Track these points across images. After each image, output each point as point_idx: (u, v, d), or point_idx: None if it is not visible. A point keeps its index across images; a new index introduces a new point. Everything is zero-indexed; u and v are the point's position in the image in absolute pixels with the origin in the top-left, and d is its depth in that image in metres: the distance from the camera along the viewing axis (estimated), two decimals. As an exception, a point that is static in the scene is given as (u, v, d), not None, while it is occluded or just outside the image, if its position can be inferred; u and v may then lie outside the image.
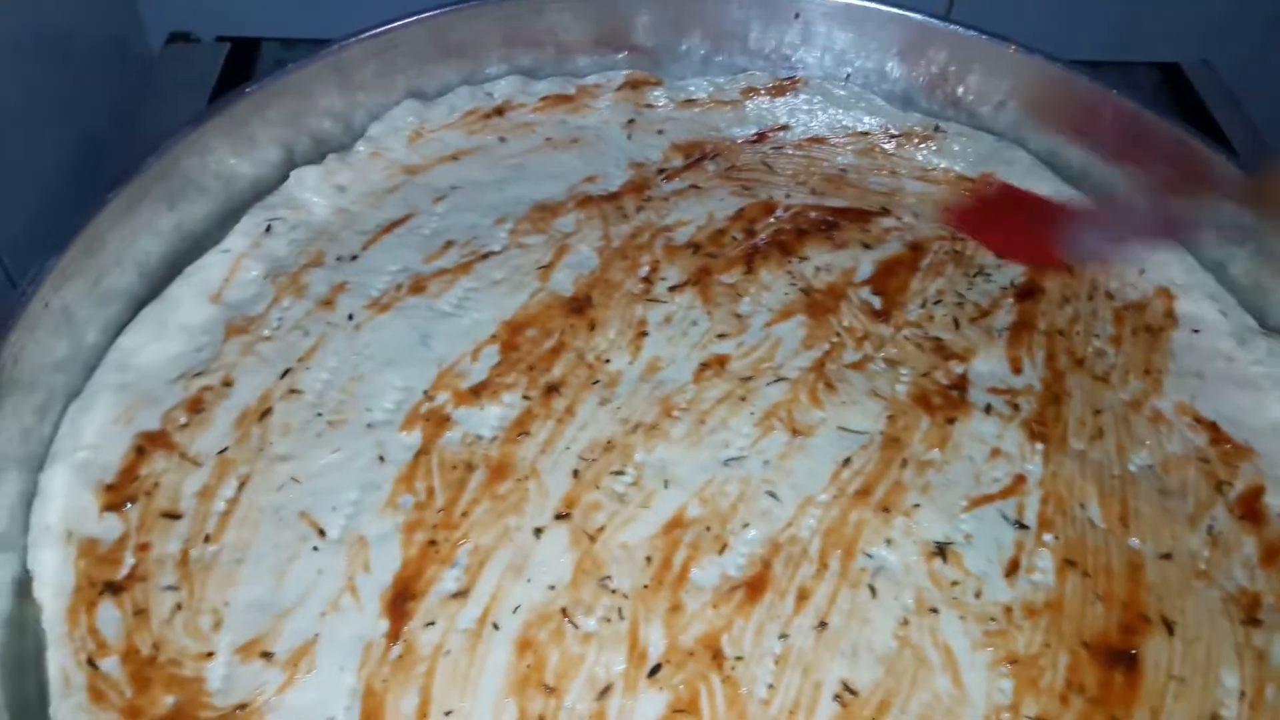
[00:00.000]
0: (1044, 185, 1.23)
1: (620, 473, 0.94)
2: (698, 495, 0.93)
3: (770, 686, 0.82)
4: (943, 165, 1.26)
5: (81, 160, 1.32)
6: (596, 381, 1.01)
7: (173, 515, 0.90)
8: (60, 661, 0.82)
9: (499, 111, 1.28)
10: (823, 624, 0.85)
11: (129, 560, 0.87)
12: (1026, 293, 1.12)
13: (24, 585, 0.86)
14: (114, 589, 0.86)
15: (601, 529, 0.90)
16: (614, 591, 0.86)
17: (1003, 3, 1.32)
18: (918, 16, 1.27)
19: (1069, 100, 1.25)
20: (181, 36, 1.47)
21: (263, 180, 1.17)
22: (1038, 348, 1.07)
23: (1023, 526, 0.93)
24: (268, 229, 1.12)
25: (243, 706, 0.79)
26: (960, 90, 1.30)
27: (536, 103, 1.29)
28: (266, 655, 0.82)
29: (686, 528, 0.91)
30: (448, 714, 0.79)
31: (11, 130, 1.18)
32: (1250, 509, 0.97)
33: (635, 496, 0.93)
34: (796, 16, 1.30)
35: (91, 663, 0.82)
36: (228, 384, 0.99)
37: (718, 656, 0.83)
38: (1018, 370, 1.05)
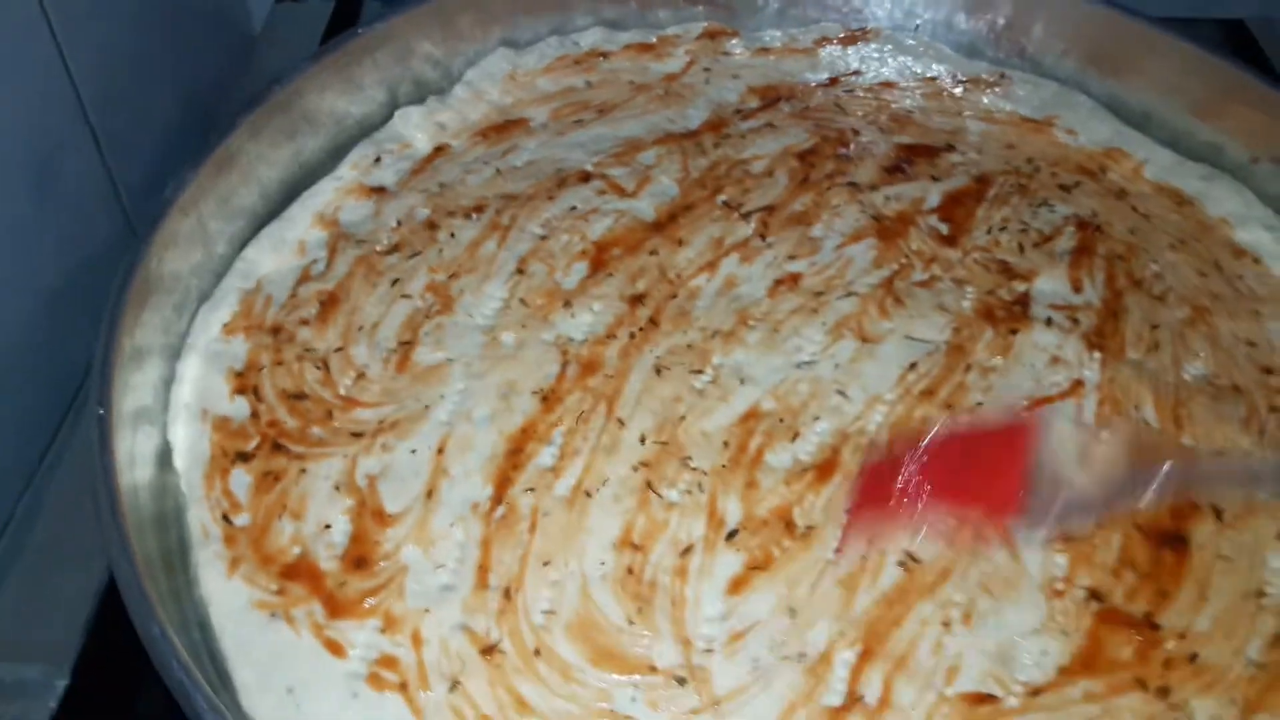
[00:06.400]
0: (1105, 128, 1.29)
1: (699, 371, 1.02)
2: (771, 392, 1.00)
3: (838, 550, 0.89)
4: (1007, 108, 1.32)
5: (188, 118, 1.43)
6: (676, 295, 1.09)
7: (298, 397, 0.99)
8: (199, 518, 0.92)
9: (586, 59, 1.37)
10: (889, 502, 0.92)
11: (257, 435, 0.97)
12: (1087, 222, 1.18)
13: (164, 455, 0.97)
14: (244, 458, 0.95)
15: (683, 418, 0.98)
16: (694, 469, 0.94)
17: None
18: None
19: (1130, 47, 1.30)
20: (290, -2, 1.59)
21: (369, 119, 1.27)
22: (1098, 270, 1.13)
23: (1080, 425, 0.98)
24: (377, 160, 1.22)
25: (361, 560, 0.88)
26: (1024, 40, 1.36)
27: (620, 50, 1.38)
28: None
29: (761, 419, 0.98)
30: (545, 564, 0.88)
31: (127, 88, 1.28)
32: (1303, 419, 1.01)
33: (714, 392, 1.00)
34: (869, -31, 1.37)
35: (226, 518, 0.91)
36: (341, 291, 1.08)
37: (790, 525, 0.90)
38: (1078, 289, 1.11)
